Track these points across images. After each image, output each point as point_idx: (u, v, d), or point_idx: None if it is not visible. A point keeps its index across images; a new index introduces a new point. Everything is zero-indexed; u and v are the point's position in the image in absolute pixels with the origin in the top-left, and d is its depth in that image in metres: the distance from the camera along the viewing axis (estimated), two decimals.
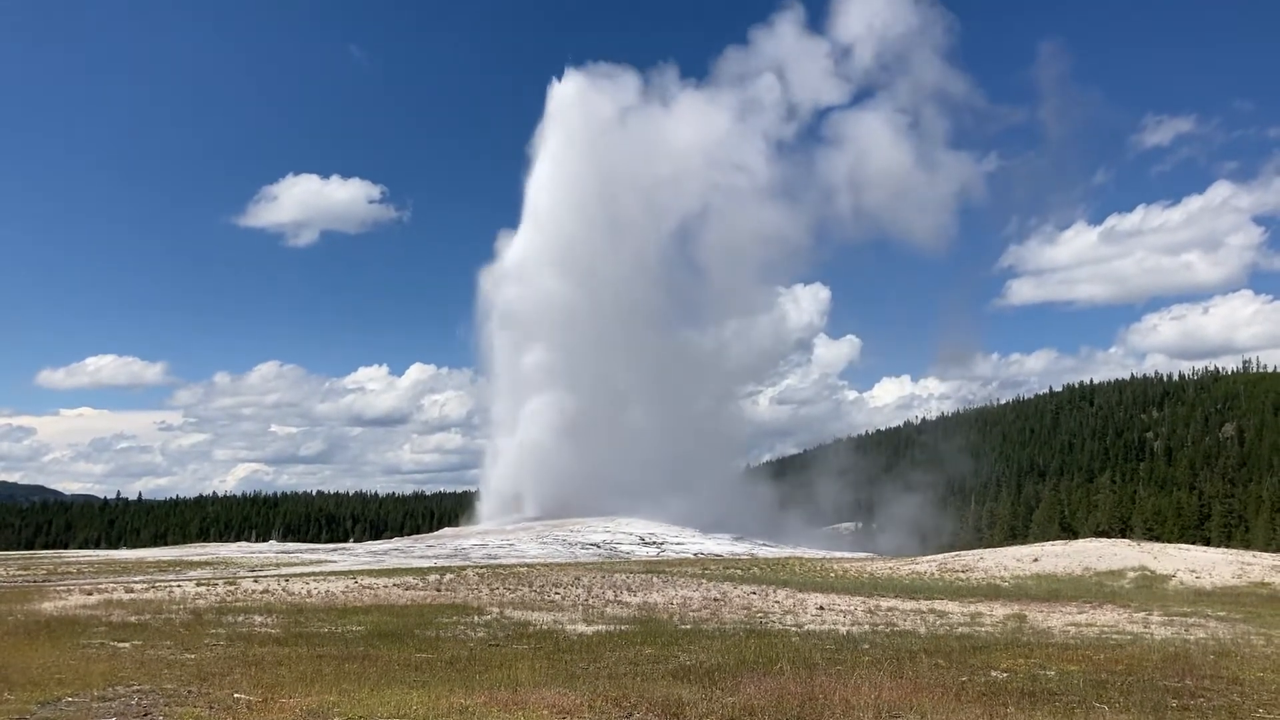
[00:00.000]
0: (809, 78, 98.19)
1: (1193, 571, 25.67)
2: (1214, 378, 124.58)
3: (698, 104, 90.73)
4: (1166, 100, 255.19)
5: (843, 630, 14.99)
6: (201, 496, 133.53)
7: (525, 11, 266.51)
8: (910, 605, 18.92)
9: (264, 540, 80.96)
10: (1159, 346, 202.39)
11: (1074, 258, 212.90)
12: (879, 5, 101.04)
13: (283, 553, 47.87)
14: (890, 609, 18.26)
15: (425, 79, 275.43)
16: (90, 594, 20.98)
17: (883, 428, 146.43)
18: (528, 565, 31.83)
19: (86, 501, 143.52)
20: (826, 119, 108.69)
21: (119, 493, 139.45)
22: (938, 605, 18.85)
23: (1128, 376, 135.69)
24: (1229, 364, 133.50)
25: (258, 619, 16.27)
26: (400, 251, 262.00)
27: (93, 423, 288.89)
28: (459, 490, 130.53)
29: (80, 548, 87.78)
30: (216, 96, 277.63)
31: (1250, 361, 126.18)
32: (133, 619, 16.22)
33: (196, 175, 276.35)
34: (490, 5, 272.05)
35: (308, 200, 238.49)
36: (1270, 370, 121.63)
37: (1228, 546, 45.02)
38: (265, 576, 26.88)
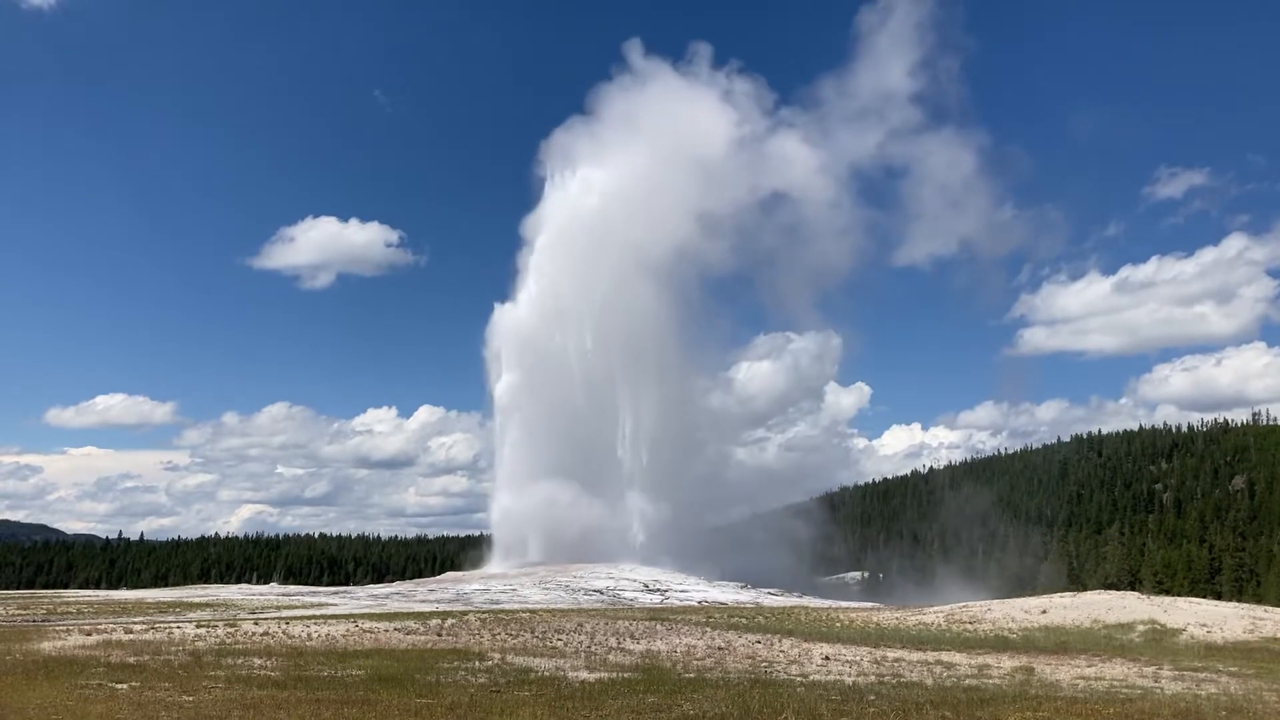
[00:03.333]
0: (824, 125, 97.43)
1: (1204, 625, 25.30)
2: (1223, 429, 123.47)
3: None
4: (1179, 153, 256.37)
5: (848, 681, 14.80)
6: (204, 537, 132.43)
7: (549, 60, 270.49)
8: (917, 656, 18.69)
9: (265, 582, 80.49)
10: (1170, 397, 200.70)
11: (1086, 308, 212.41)
12: (901, 57, 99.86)
13: (284, 595, 47.57)
14: (897, 660, 18.03)
15: (449, 126, 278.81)
16: (89, 634, 20.87)
17: (890, 476, 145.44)
18: (530, 611, 31.58)
19: (88, 541, 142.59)
20: (849, 166, 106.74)
21: (121, 532, 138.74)
22: (945, 656, 18.61)
23: (1136, 427, 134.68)
24: (1240, 416, 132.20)
25: (257, 661, 16.15)
26: (415, 295, 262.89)
27: (99, 462, 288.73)
28: (462, 534, 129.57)
29: (81, 587, 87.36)
30: (238, 138, 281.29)
31: (1260, 414, 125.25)
32: (131, 660, 16.13)
33: (215, 216, 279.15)
34: (515, 54, 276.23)
35: (325, 243, 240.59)
36: None
37: (1239, 601, 44.40)
38: (266, 619, 26.73)
